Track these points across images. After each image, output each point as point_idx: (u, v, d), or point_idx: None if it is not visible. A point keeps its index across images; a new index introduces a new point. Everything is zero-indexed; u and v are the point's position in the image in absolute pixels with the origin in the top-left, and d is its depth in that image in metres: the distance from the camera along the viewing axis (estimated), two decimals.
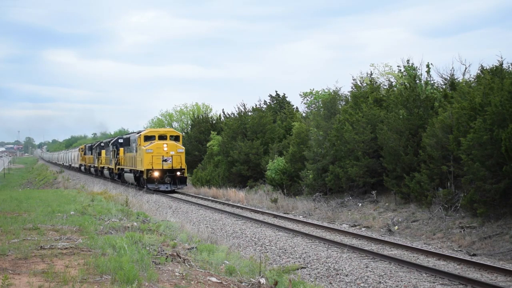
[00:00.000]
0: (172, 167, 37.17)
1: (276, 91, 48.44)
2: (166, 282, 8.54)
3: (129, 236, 11.49)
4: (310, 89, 44.61)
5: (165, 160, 36.99)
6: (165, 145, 37.13)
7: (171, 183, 37.26)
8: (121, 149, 46.43)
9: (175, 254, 10.59)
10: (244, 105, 45.39)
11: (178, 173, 37.35)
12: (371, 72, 36.06)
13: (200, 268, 10.00)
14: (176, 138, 38.70)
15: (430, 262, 14.33)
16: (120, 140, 48.10)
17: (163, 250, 10.92)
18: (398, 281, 12.33)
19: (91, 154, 69.14)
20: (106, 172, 54.96)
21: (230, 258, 11.54)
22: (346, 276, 13.06)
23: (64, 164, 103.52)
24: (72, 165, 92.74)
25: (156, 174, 36.90)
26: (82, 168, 78.73)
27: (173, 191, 37.27)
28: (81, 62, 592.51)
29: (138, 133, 41.26)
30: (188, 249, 12.08)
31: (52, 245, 10.84)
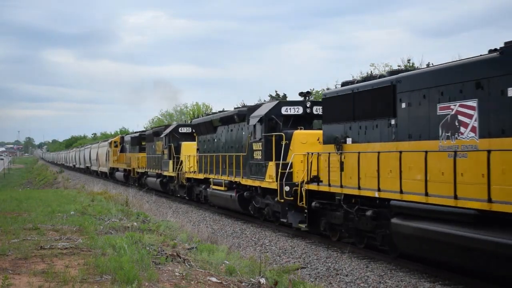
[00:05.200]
0: None
1: (276, 91, 48.43)
2: (166, 282, 8.54)
3: (129, 236, 11.50)
4: (310, 89, 44.64)
5: None
6: None
7: None
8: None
9: (175, 254, 10.59)
10: (244, 105, 45.42)
11: None
12: (371, 72, 36.04)
13: (200, 268, 10.00)
14: None
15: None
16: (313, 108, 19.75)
17: (163, 250, 10.93)
18: (398, 281, 12.33)
19: (139, 150, 42.88)
20: (223, 195, 23.30)
21: (230, 258, 11.53)
22: (346, 276, 13.06)
23: (77, 166, 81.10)
24: (93, 168, 64.17)
25: None
26: (119, 174, 48.96)
27: None
28: (80, 62, 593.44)
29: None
30: (188, 249, 12.08)
31: (52, 245, 10.85)
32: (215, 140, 25.65)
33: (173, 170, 31.29)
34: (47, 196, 25.78)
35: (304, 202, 17.00)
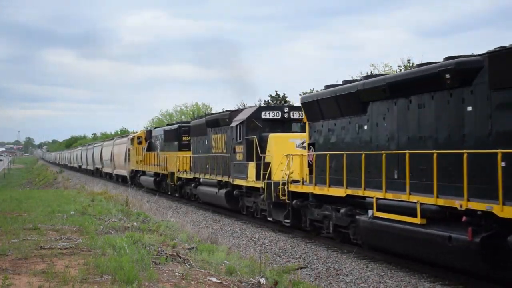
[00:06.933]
0: None
1: (276, 91, 48.39)
2: (166, 282, 8.54)
3: (129, 236, 11.50)
4: (310, 89, 44.58)
5: None
6: None
7: None
8: None
9: (175, 254, 10.60)
10: (244, 105, 45.42)
11: None
12: (371, 72, 36.03)
13: (200, 268, 10.00)
14: None
15: None
16: None
17: (163, 250, 10.93)
18: (398, 281, 12.33)
19: (179, 147, 32.39)
20: (416, 235, 11.95)
21: (230, 258, 11.54)
22: (346, 276, 13.06)
23: (84, 167, 71.91)
24: (106, 170, 54.38)
25: None
26: (147, 179, 38.37)
27: None
28: (80, 62, 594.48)
29: None
30: (188, 249, 12.08)
31: (52, 245, 10.86)
32: (365, 126, 14.84)
33: (258, 179, 20.14)
34: (47, 196, 25.79)
35: None
